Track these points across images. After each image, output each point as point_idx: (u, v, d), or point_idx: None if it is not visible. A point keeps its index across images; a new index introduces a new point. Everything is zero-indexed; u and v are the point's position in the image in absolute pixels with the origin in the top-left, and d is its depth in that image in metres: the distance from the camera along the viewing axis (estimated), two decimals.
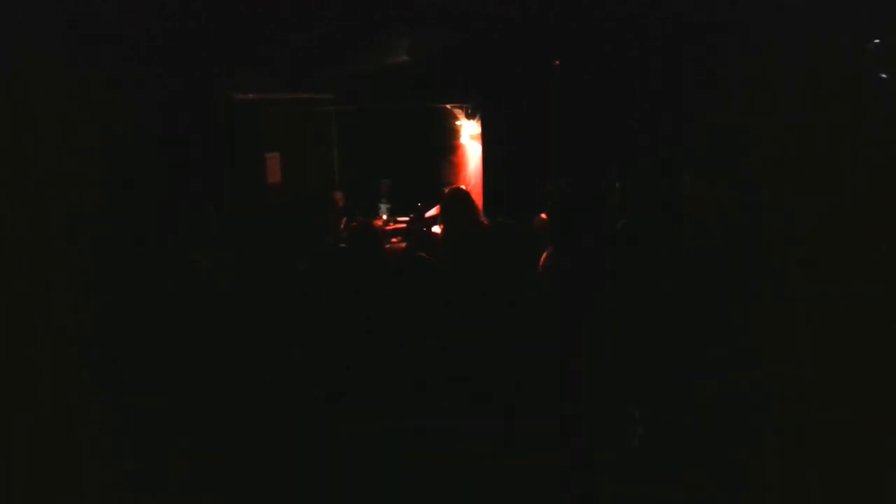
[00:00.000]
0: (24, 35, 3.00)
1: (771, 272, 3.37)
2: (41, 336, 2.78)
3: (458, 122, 6.89)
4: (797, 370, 3.08)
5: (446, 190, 4.86)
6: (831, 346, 3.03)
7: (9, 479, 2.58)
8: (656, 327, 3.29)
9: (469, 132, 6.80)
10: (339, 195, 6.01)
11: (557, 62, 5.87)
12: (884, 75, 4.16)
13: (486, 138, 6.52)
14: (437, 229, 5.15)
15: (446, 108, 6.89)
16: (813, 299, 3.19)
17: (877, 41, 4.01)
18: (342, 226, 5.54)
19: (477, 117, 6.68)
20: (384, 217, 6.64)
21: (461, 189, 4.93)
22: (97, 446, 2.84)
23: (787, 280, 3.33)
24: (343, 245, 4.37)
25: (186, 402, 3.13)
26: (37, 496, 2.63)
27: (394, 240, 5.96)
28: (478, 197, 6.51)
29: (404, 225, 6.34)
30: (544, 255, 3.55)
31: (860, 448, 2.84)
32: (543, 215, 4.59)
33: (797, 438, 2.96)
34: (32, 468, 2.62)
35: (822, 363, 3.04)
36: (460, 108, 6.80)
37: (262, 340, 3.32)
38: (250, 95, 5.85)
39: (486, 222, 4.32)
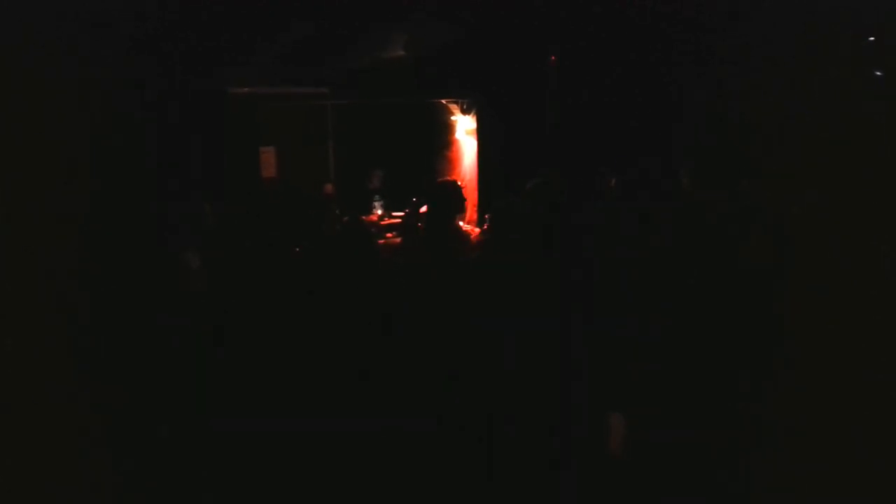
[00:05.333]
0: (18, 32, 2.98)
1: (768, 270, 3.38)
2: (33, 335, 2.76)
3: (453, 118, 6.88)
4: (795, 369, 3.08)
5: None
6: (830, 344, 3.04)
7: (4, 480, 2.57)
8: (652, 328, 3.28)
9: (464, 127, 6.79)
10: (329, 186, 6.00)
11: (553, 58, 5.86)
12: (879, 73, 4.18)
13: (482, 134, 6.51)
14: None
15: (442, 103, 6.88)
16: (810, 298, 3.19)
17: (871, 39, 4.02)
18: (338, 219, 5.53)
19: (472, 112, 6.67)
20: (378, 212, 6.62)
21: (448, 181, 4.77)
22: (90, 446, 2.83)
23: (783, 278, 3.33)
24: (334, 238, 4.35)
25: (180, 401, 3.12)
26: (34, 496, 2.62)
27: (388, 235, 5.96)
28: (473, 192, 6.51)
29: (399, 220, 6.33)
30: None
31: (859, 448, 2.84)
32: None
33: (796, 439, 2.97)
34: (26, 468, 2.62)
35: (821, 362, 3.05)
36: (456, 103, 6.79)
37: (253, 338, 3.31)
38: (245, 89, 5.82)
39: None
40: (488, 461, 3.04)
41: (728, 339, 3.26)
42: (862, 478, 2.83)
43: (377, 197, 6.68)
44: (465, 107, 6.74)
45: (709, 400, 3.20)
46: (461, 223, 5.28)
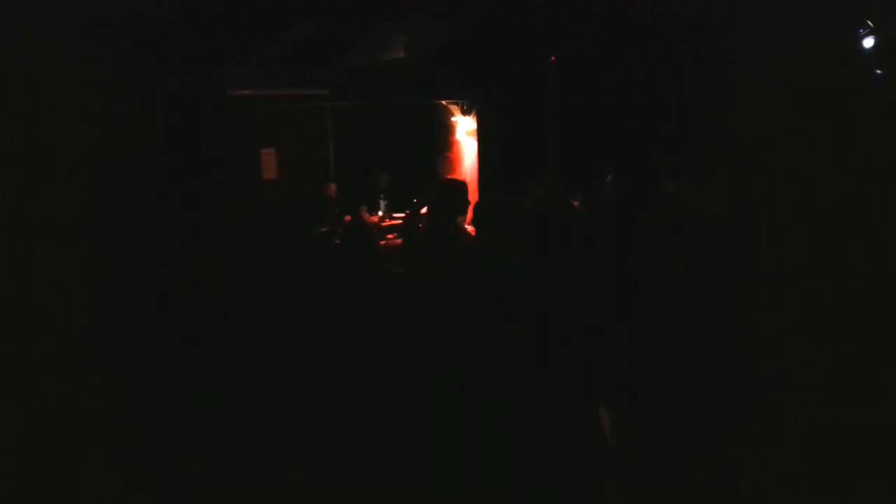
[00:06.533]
0: (18, 32, 2.99)
1: (767, 269, 3.37)
2: (34, 335, 2.76)
3: (454, 119, 6.88)
4: (794, 368, 3.07)
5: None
6: (828, 344, 3.03)
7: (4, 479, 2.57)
8: (652, 325, 3.28)
9: (465, 128, 6.79)
10: (332, 187, 6.00)
11: (553, 58, 5.86)
12: (879, 71, 4.17)
13: (482, 134, 6.52)
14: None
15: (442, 104, 6.88)
16: (809, 297, 3.18)
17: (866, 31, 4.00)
18: (340, 218, 5.53)
19: (473, 113, 6.67)
20: (381, 213, 6.62)
21: (452, 180, 4.67)
22: (91, 445, 2.83)
23: (783, 277, 3.33)
24: (337, 239, 4.35)
25: (181, 400, 3.12)
26: (34, 496, 2.62)
27: (389, 236, 5.96)
28: (473, 193, 6.50)
29: (400, 221, 6.33)
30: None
31: (858, 448, 2.83)
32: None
33: (792, 438, 2.96)
34: (26, 468, 2.62)
35: (819, 361, 3.04)
36: (456, 104, 6.80)
37: (253, 337, 3.31)
38: (246, 91, 5.83)
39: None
40: (488, 460, 3.04)
41: (722, 336, 3.25)
42: (862, 478, 2.82)
43: (382, 197, 6.68)
44: (465, 108, 6.75)
45: (704, 399, 3.20)
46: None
